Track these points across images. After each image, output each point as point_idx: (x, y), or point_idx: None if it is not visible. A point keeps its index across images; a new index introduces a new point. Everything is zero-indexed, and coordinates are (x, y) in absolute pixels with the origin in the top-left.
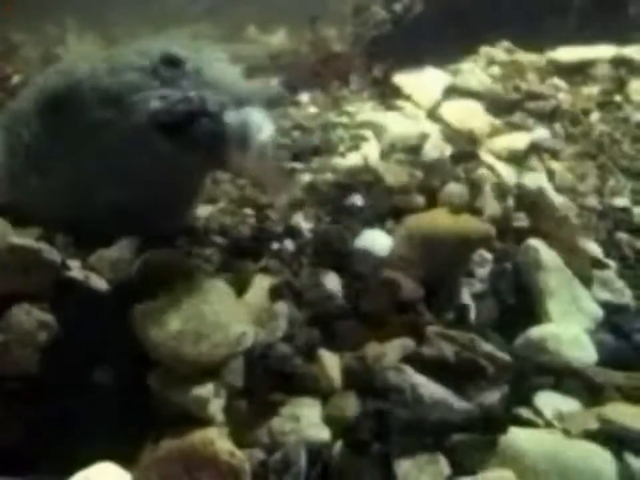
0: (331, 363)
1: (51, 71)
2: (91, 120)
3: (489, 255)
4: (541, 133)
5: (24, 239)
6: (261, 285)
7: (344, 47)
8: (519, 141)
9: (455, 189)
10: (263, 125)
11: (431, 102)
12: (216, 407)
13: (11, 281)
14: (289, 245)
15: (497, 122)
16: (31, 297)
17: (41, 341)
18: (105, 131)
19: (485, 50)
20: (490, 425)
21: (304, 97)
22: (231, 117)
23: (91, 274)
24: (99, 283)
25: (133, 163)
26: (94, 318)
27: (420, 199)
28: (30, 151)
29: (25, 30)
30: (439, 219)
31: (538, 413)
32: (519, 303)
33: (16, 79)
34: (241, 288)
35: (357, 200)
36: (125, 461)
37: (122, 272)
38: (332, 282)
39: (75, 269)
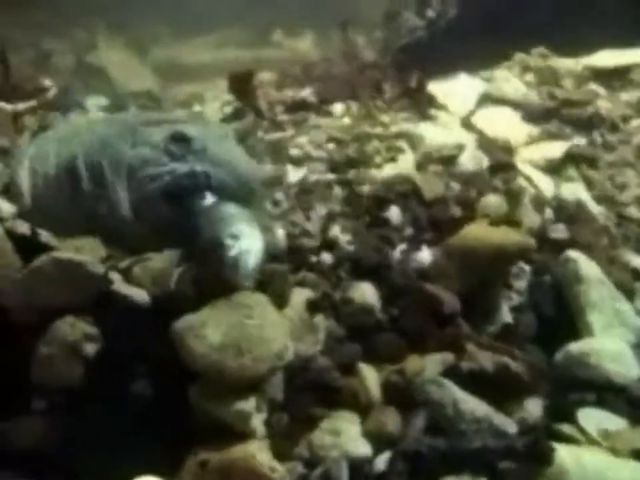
0: (370, 376)
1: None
2: (106, 186)
3: (527, 267)
4: (578, 141)
5: (68, 252)
6: (299, 298)
7: (374, 53)
8: (555, 149)
9: (492, 201)
10: (252, 252)
11: (465, 110)
12: (258, 421)
13: (56, 294)
14: (327, 257)
15: (533, 130)
16: (75, 309)
17: (84, 353)
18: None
19: (519, 56)
20: (534, 453)
21: (337, 108)
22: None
23: (133, 287)
24: (141, 295)
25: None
26: (136, 330)
27: (457, 211)
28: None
29: (55, 35)
30: (477, 232)
31: (581, 429)
32: (559, 316)
33: (54, 90)
34: (280, 301)
35: (394, 212)
36: (165, 473)
37: (163, 284)
38: (370, 295)
39: (118, 282)
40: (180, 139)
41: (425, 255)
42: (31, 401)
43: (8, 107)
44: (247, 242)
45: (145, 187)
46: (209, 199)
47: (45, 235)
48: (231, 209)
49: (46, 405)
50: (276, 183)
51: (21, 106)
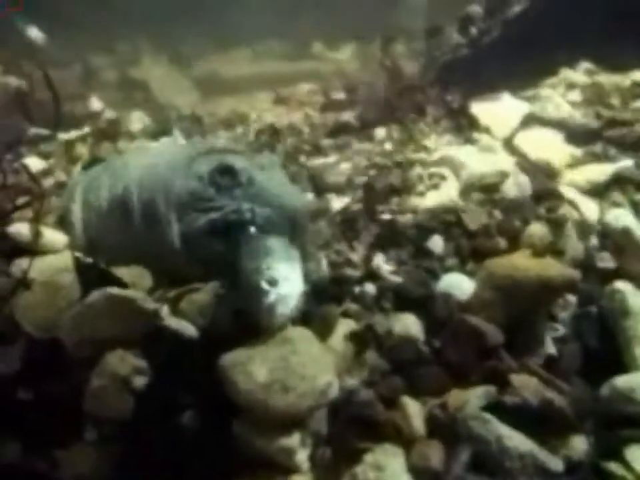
0: (414, 410)
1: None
2: (159, 218)
3: (572, 298)
4: (625, 163)
5: (120, 289)
6: (343, 330)
7: (415, 68)
8: (600, 172)
9: (536, 230)
10: (291, 297)
11: (508, 132)
12: (302, 456)
13: (108, 328)
14: (370, 288)
15: (577, 152)
16: (125, 343)
17: (134, 385)
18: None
19: (564, 73)
20: None
21: (379, 132)
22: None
23: (181, 320)
24: (189, 329)
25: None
26: (184, 363)
27: (501, 241)
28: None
29: (102, 50)
30: (521, 263)
31: (629, 467)
32: (605, 349)
33: (108, 114)
34: (324, 332)
35: (438, 242)
36: None
37: (210, 316)
38: (413, 327)
39: (166, 316)
40: (226, 171)
41: (467, 287)
42: (84, 430)
43: (64, 136)
44: (286, 286)
45: (193, 221)
46: (253, 235)
47: (103, 267)
48: (273, 245)
49: (97, 435)
50: (321, 213)
51: (74, 134)
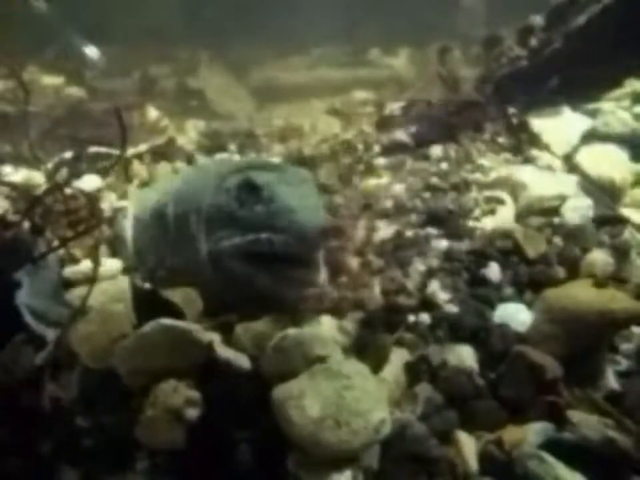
0: (468, 445)
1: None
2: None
3: (636, 329)
4: None
5: (174, 320)
6: (397, 360)
7: (472, 73)
8: None
9: (598, 258)
10: None
11: (568, 149)
12: None
13: (161, 358)
14: (425, 317)
15: None
16: (178, 374)
17: (186, 417)
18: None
19: (630, 84)
20: None
21: (435, 151)
22: None
23: (234, 351)
24: (242, 360)
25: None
26: (237, 395)
27: (560, 270)
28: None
29: (161, 60)
30: (582, 295)
31: None
32: None
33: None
34: (377, 362)
35: (495, 270)
36: None
37: (264, 347)
38: (468, 359)
39: (220, 347)
40: (249, 187)
41: (525, 317)
42: (136, 460)
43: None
44: None
45: (218, 241)
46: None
47: (157, 292)
48: None
49: (149, 465)
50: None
51: (131, 151)
